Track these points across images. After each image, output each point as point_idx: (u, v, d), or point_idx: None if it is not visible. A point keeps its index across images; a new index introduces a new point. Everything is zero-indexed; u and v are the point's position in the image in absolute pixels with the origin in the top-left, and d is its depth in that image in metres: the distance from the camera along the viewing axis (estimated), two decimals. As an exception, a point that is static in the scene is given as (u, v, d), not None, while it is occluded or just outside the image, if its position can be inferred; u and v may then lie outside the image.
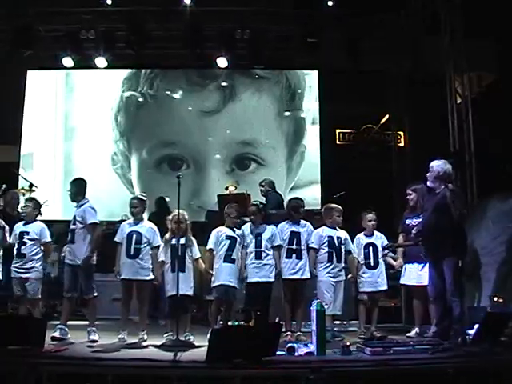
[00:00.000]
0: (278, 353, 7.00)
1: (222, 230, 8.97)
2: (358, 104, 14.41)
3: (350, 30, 13.31)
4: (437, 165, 8.21)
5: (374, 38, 13.66)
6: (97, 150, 15.40)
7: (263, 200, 11.14)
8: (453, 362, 6.56)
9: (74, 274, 8.67)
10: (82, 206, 8.78)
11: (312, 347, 7.36)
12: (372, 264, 9.27)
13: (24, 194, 11.79)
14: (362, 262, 9.29)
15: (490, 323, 7.61)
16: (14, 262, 8.88)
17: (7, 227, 9.25)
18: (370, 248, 9.31)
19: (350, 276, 9.28)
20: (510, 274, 9.66)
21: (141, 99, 15.59)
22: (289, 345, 7.40)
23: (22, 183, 13.04)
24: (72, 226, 8.77)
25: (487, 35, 12.97)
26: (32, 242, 8.87)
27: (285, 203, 11.12)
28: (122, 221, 10.05)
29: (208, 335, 6.93)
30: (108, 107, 15.64)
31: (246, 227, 9.13)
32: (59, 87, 15.77)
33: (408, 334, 9.02)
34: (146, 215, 9.71)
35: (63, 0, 12.89)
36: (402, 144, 15.61)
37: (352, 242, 9.28)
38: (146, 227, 8.77)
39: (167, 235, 8.67)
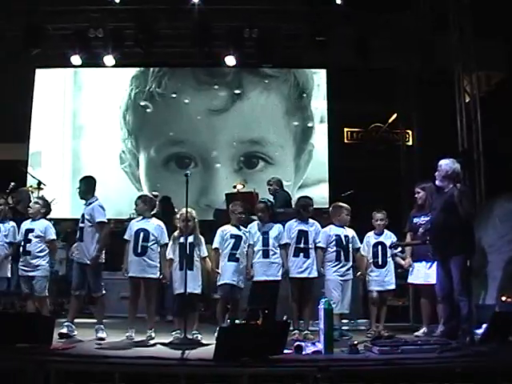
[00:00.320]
0: (286, 351, 7.01)
1: (227, 229, 9.00)
2: (366, 102, 14.37)
3: (359, 28, 13.27)
4: (445, 164, 8.19)
5: (382, 36, 13.61)
6: (105, 149, 15.41)
7: (271, 198, 11.14)
8: (461, 361, 6.54)
9: (82, 271, 8.70)
10: (90, 204, 8.81)
11: (319, 346, 7.36)
12: (380, 263, 9.28)
13: (32, 192, 11.84)
14: (371, 261, 9.30)
15: (497, 323, 7.60)
16: (20, 259, 8.92)
17: (13, 224, 9.31)
18: (379, 247, 9.32)
19: (358, 274, 9.29)
20: (516, 272, 9.66)
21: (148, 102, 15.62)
22: (296, 343, 7.40)
23: (30, 181, 13.11)
24: (80, 224, 8.80)
25: (496, 35, 12.92)
26: (37, 240, 8.90)
27: (293, 202, 11.14)
28: (130, 219, 10.08)
29: (215, 333, 6.94)
30: (116, 105, 15.64)
31: (254, 225, 9.16)
32: (67, 85, 15.78)
33: (416, 333, 9.01)
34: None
35: (72, -2, 12.94)
36: (410, 143, 15.57)
37: (362, 240, 9.28)
38: (154, 225, 8.76)
39: (175, 233, 8.70)
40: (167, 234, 8.78)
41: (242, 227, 9.08)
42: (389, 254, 9.31)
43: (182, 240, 8.56)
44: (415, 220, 9.22)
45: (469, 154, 12.33)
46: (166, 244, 8.69)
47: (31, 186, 12.41)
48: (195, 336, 8.42)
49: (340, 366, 6.43)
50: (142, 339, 8.34)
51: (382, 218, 9.44)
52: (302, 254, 8.87)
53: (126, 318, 8.82)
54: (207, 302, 9.91)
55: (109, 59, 13.77)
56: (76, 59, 13.78)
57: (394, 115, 15.45)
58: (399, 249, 9.39)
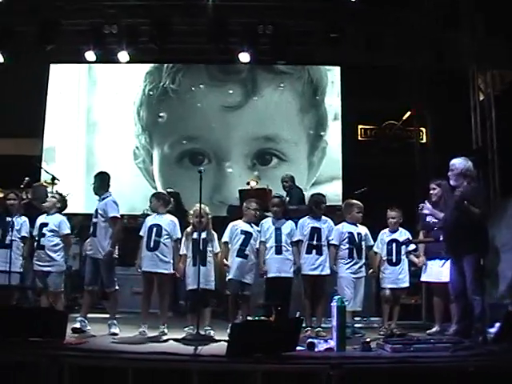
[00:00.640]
0: (298, 348, 7.01)
1: (238, 225, 9.05)
2: (380, 100, 14.36)
3: (373, 25, 13.22)
4: (458, 162, 8.17)
5: (397, 32, 13.56)
6: (119, 144, 15.45)
7: (284, 195, 11.14)
8: (474, 360, 6.52)
9: (95, 267, 8.74)
10: (104, 199, 8.86)
11: (332, 343, 7.36)
12: (394, 260, 9.28)
13: (47, 187, 11.90)
14: (385, 258, 9.29)
15: (511, 322, 7.57)
16: (34, 254, 8.96)
17: (25, 218, 9.34)
18: (393, 244, 9.32)
19: (371, 271, 9.29)
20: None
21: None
22: (309, 340, 7.40)
23: (44, 176, 13.14)
24: (94, 220, 8.85)
25: (509, 33, 12.85)
26: (51, 234, 8.97)
27: (306, 199, 11.14)
28: (144, 215, 10.12)
29: (228, 329, 6.95)
30: (130, 101, 15.68)
31: (266, 221, 9.18)
32: (82, 81, 15.83)
33: (428, 332, 8.99)
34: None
35: (86, -6, 12.95)
36: (424, 140, 15.52)
37: (375, 238, 9.28)
38: (167, 220, 8.83)
39: (189, 229, 8.75)
40: (181, 230, 8.80)
41: (253, 225, 9.09)
42: (403, 252, 9.29)
43: (195, 236, 8.61)
44: (428, 218, 9.18)
45: (483, 152, 12.28)
46: (179, 239, 8.75)
47: (45, 181, 12.45)
48: (208, 332, 8.44)
49: (352, 364, 6.43)
50: (155, 335, 8.38)
51: (396, 215, 9.43)
52: (314, 251, 8.90)
53: (139, 313, 8.86)
54: (220, 298, 9.92)
55: (123, 55, 13.77)
56: (90, 55, 13.79)
57: (408, 113, 15.39)
58: (412, 246, 9.37)
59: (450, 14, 12.87)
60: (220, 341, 7.67)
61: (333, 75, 15.68)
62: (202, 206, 8.48)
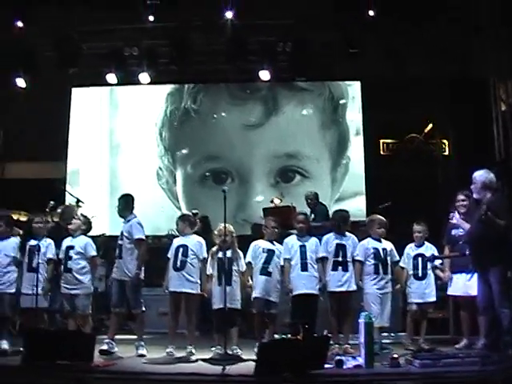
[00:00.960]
0: (327, 366, 6.99)
1: (260, 243, 9.05)
2: (401, 113, 14.29)
3: (392, 38, 13.21)
4: (479, 175, 8.14)
5: (416, 45, 13.54)
6: (142, 166, 15.52)
7: (308, 212, 11.12)
8: (503, 374, 6.47)
9: (121, 289, 8.77)
10: (129, 221, 8.93)
11: (360, 360, 7.33)
12: (420, 275, 9.21)
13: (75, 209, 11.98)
14: (411, 273, 9.24)
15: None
16: (62, 277, 9.00)
17: (51, 241, 9.39)
18: (419, 259, 9.24)
19: (397, 286, 9.24)
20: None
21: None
22: (337, 358, 7.38)
23: (68, 199, 13.21)
24: (119, 242, 8.90)
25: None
26: (77, 257, 8.98)
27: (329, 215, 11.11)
28: (169, 235, 10.16)
29: (255, 349, 6.94)
30: (152, 123, 15.76)
31: (291, 239, 9.16)
32: (104, 104, 15.95)
33: (457, 346, 8.90)
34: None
35: (106, 17, 13.00)
36: (446, 153, 15.47)
37: (402, 252, 9.24)
38: (194, 241, 8.88)
39: (214, 248, 8.79)
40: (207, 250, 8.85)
41: (275, 242, 9.09)
42: (429, 266, 9.24)
43: (220, 255, 8.62)
44: (453, 231, 9.12)
45: (505, 164, 12.22)
46: (205, 259, 8.76)
47: (70, 204, 12.52)
48: (235, 351, 8.42)
49: (382, 381, 6.40)
50: (183, 355, 8.38)
51: (421, 230, 9.37)
52: (340, 268, 8.85)
53: (165, 333, 8.89)
54: (246, 317, 9.92)
55: (144, 77, 13.86)
56: (112, 77, 13.90)
57: (430, 125, 15.35)
58: (438, 261, 9.32)
59: (471, 24, 12.85)
60: (248, 360, 7.65)
61: (353, 90, 15.68)
62: (227, 225, 8.50)
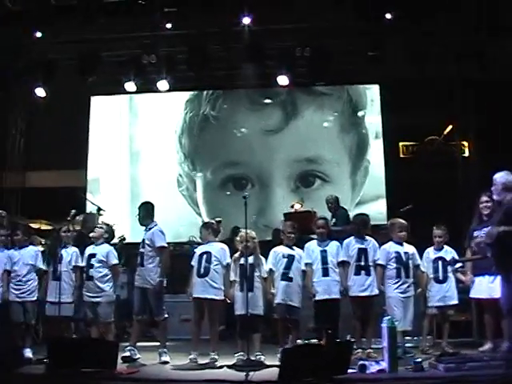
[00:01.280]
0: (350, 371, 6.96)
1: (279, 249, 9.02)
2: (420, 115, 14.24)
3: (411, 41, 13.16)
4: (500, 176, 8.05)
5: (436, 46, 13.46)
6: (162, 173, 15.56)
7: (329, 216, 11.10)
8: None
9: (143, 296, 8.79)
10: (150, 229, 8.95)
11: (384, 364, 7.30)
12: (441, 278, 9.16)
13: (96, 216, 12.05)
14: (431, 276, 9.19)
15: None
16: (84, 285, 9.03)
17: (75, 249, 9.43)
18: (439, 262, 9.19)
19: (419, 290, 9.19)
20: None
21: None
22: (360, 362, 7.34)
23: (89, 207, 13.26)
24: (141, 249, 8.93)
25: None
26: (99, 265, 9.03)
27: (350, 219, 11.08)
28: (190, 242, 10.16)
29: (278, 354, 6.93)
30: (172, 130, 15.80)
31: (311, 244, 9.13)
32: (123, 112, 16.02)
33: (481, 349, 8.81)
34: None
35: (124, 25, 13.05)
36: (466, 154, 15.39)
37: (421, 256, 9.19)
38: (217, 247, 8.89)
39: (236, 254, 8.79)
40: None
41: (295, 247, 9.07)
42: (449, 270, 9.18)
43: (242, 261, 8.61)
44: (475, 233, 9.03)
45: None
46: (229, 265, 8.76)
47: (91, 213, 12.57)
48: (258, 357, 8.41)
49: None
50: (206, 361, 8.37)
51: (442, 234, 9.32)
52: (363, 272, 8.82)
53: (188, 340, 8.88)
54: (269, 323, 9.91)
55: (163, 84, 13.89)
56: (130, 85, 13.94)
57: (450, 127, 15.28)
58: (459, 264, 9.26)
59: (491, 24, 12.76)
60: (271, 366, 7.66)
61: (372, 93, 15.63)
62: (248, 230, 8.51)
